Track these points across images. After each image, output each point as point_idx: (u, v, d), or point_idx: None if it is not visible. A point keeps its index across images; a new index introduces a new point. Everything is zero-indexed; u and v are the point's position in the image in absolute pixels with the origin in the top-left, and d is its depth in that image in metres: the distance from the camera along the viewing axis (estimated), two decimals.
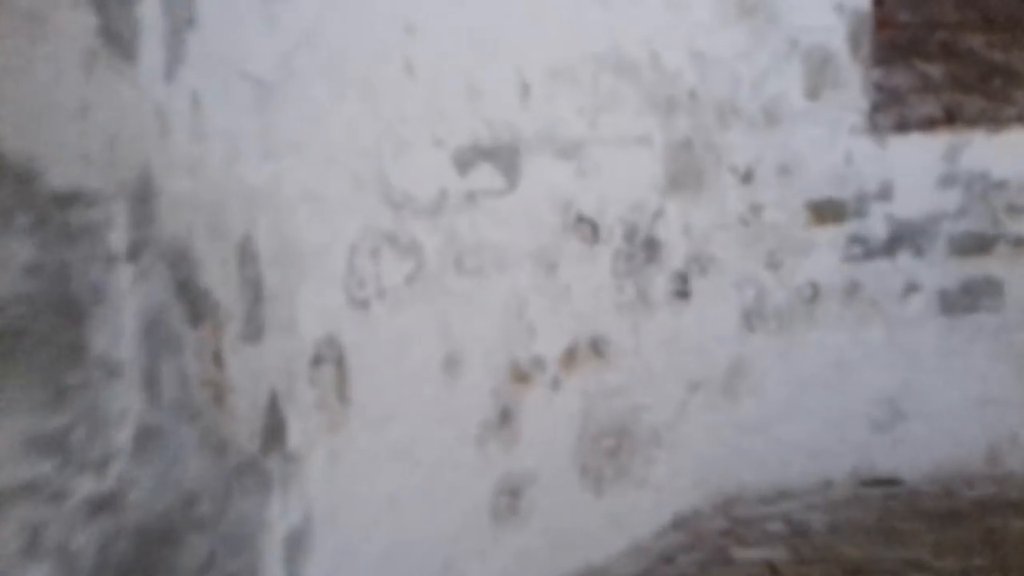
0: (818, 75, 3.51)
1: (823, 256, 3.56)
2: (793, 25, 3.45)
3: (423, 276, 2.29)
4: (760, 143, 3.46)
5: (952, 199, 3.68)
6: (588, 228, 2.86)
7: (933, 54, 4.05)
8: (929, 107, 3.79)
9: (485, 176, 2.52)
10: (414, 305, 2.24)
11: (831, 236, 3.58)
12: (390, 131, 2.18)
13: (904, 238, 3.67)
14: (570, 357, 2.81)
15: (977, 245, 3.74)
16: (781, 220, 3.50)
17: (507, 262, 2.58)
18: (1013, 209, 3.72)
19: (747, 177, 3.48)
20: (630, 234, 3.02)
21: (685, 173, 3.22)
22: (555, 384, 2.76)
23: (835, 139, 3.56)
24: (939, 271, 3.69)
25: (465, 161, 2.46)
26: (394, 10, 2.21)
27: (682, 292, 3.29)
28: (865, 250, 3.63)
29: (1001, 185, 3.69)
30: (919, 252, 3.71)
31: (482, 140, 2.50)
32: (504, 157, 2.58)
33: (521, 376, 2.63)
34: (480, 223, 2.50)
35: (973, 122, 3.72)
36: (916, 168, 3.66)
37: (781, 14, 3.43)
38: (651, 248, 3.11)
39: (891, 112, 3.74)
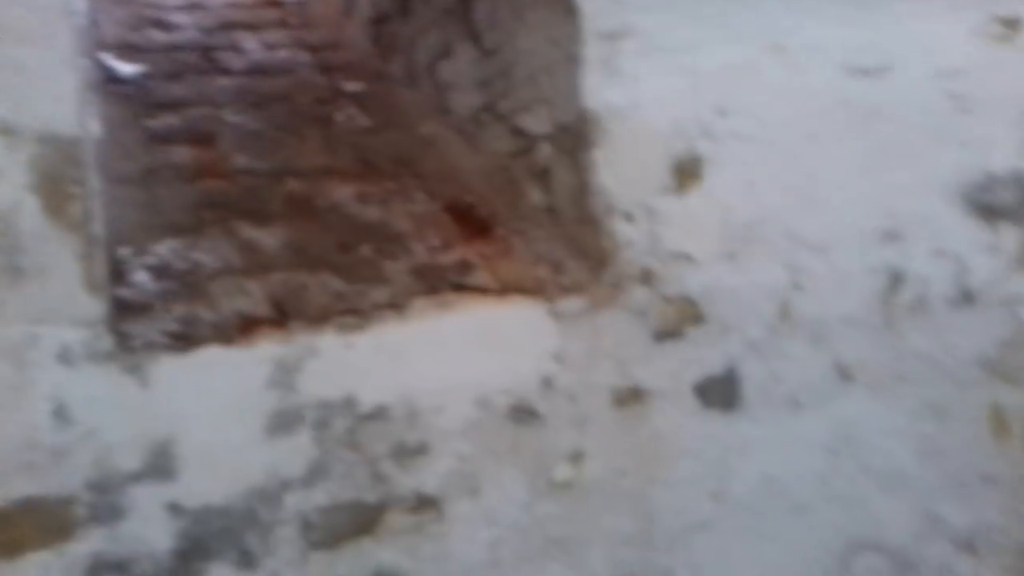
0: None
1: None
2: None
3: None
4: None
5: (296, 454, 2.10)
6: None
7: (274, 214, 2.56)
8: (248, 299, 2.22)
9: None
10: None
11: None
12: None
13: (212, 543, 1.99)
14: None
15: (353, 522, 2.18)
16: None
17: None
18: (405, 452, 2.22)
19: None
20: None
21: None
22: None
23: (32, 376, 1.80)
24: None
25: None
26: None
27: None
28: None
29: (379, 415, 2.17)
30: (249, 562, 2.05)
31: None
32: None
33: None
34: None
35: (320, 318, 2.19)
36: (220, 410, 2.02)
37: None
38: None
39: (175, 314, 2.10)
